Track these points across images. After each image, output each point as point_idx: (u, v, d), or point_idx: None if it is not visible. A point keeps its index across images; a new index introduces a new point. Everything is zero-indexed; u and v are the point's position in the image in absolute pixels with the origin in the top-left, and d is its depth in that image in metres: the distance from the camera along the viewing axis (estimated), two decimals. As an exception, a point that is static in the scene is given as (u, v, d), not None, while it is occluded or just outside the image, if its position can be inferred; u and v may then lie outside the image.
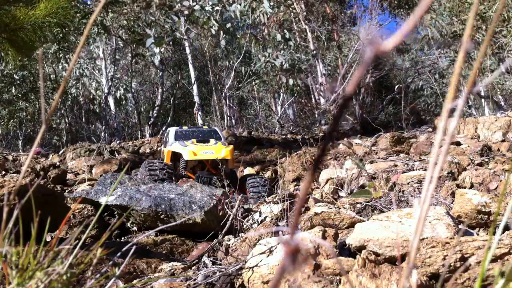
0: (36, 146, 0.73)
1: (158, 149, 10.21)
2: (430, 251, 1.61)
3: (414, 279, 0.44)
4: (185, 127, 4.78)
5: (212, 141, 4.32)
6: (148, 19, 13.11)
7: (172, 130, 4.80)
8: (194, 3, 11.09)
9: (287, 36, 12.60)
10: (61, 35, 10.91)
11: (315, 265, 1.68)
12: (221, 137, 4.58)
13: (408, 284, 0.43)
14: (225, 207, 2.89)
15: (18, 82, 15.51)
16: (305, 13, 14.19)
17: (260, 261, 1.88)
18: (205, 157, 4.06)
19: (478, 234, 2.17)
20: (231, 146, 4.25)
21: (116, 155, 9.33)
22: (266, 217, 3.09)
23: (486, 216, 2.27)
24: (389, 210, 2.52)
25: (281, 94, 17.57)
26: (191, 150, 4.08)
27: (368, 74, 14.32)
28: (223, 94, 15.88)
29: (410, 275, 0.41)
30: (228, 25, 11.09)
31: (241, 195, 3.27)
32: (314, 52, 14.05)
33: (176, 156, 4.61)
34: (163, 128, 16.18)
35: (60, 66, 16.09)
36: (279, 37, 12.65)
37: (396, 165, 4.38)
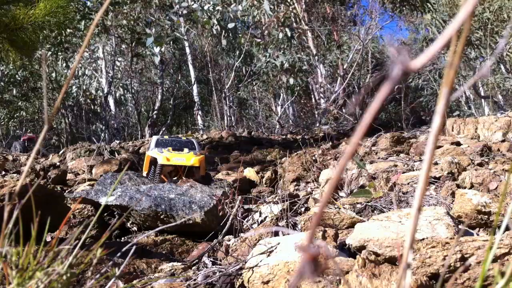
0: (39, 145, 0.73)
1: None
2: (430, 251, 1.61)
3: (408, 281, 0.43)
4: (166, 136, 5.40)
5: (186, 150, 4.91)
6: (148, 18, 13.09)
7: (154, 138, 5.31)
8: (193, 3, 11.07)
9: (289, 34, 12.58)
10: (59, 37, 10.89)
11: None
12: (195, 148, 5.09)
13: (407, 285, 0.43)
14: (225, 207, 2.89)
15: (18, 82, 15.50)
16: (305, 13, 14.19)
17: (260, 261, 1.88)
18: (176, 163, 4.59)
19: (478, 234, 2.17)
20: (202, 156, 4.84)
21: (116, 155, 9.32)
22: (266, 217, 3.09)
23: (486, 216, 2.27)
24: (389, 210, 2.52)
25: (281, 94, 17.56)
26: (165, 156, 4.61)
27: (368, 74, 14.31)
28: (223, 94, 15.86)
29: (405, 277, 0.41)
30: (232, 25, 11.07)
31: (241, 196, 3.28)
32: (314, 52, 14.04)
33: (154, 161, 5.09)
34: (163, 128, 16.19)
35: (63, 65, 16.08)
36: (281, 35, 12.62)
37: (396, 165, 4.38)
